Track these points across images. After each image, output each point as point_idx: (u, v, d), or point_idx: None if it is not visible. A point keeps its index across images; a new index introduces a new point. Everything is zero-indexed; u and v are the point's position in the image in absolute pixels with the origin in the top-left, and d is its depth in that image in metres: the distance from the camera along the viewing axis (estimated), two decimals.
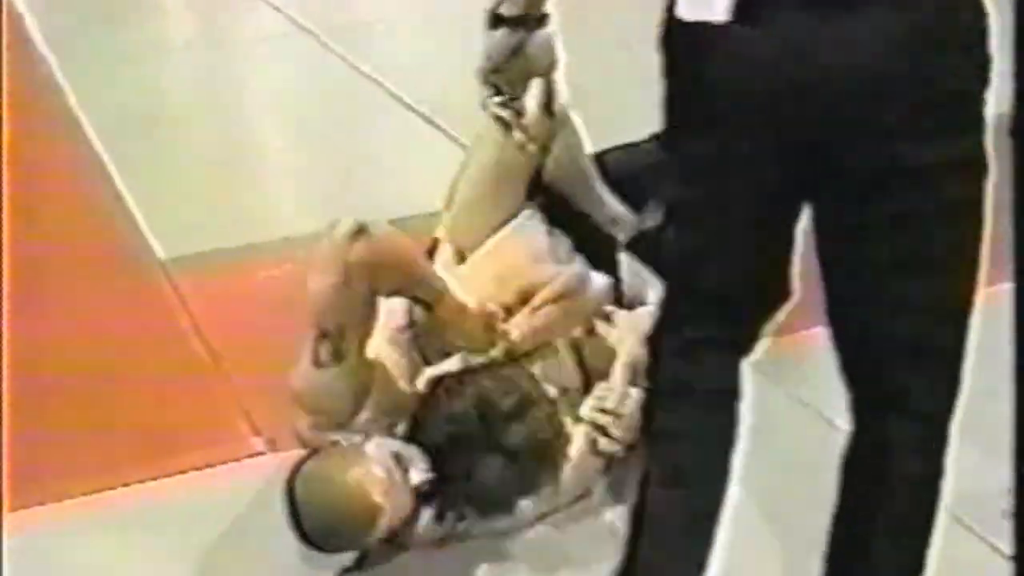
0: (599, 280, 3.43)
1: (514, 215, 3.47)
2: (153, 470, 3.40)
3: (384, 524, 2.92)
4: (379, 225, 3.12)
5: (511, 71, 2.89)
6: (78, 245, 4.64)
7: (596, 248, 3.54)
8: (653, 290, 3.31)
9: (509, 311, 3.29)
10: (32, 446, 3.43)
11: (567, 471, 3.20)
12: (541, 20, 2.80)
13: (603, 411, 3.21)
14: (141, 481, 3.38)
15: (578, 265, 3.43)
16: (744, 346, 2.45)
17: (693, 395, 2.41)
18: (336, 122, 5.94)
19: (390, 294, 3.16)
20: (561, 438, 3.20)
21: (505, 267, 3.39)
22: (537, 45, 2.80)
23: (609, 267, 3.52)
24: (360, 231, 3.05)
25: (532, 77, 2.96)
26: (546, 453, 3.18)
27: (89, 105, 5.95)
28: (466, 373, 3.20)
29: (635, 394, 3.22)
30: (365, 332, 3.12)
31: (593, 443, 3.20)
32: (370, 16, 7.45)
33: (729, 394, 2.42)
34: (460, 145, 5.35)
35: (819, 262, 2.34)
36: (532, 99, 3.02)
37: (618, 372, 3.29)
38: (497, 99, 2.94)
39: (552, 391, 3.25)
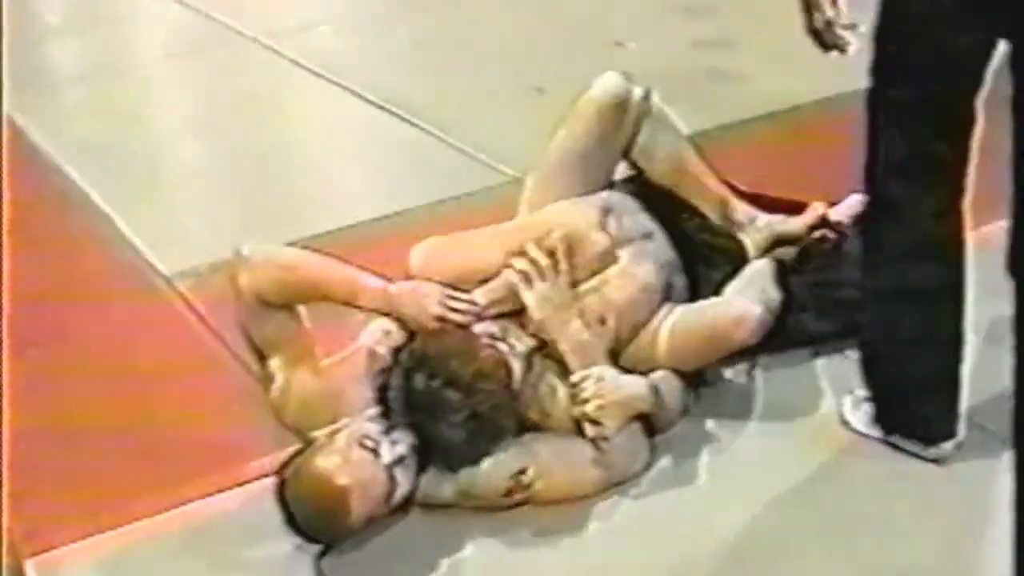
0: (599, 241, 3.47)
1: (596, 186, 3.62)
2: (212, 485, 3.40)
3: (359, 504, 3.04)
4: (256, 249, 3.37)
5: None
6: (85, 275, 4.60)
7: (710, 248, 3.65)
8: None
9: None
10: (82, 475, 3.47)
11: (587, 459, 3.24)
12: None
13: (584, 400, 3.26)
14: (203, 497, 3.38)
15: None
16: None
17: None
18: (302, 124, 5.97)
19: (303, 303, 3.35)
20: (518, 396, 3.23)
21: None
22: None
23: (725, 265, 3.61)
24: (238, 259, 3.32)
25: None
26: (499, 410, 3.20)
27: (50, 136, 5.88)
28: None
29: (610, 376, 3.28)
30: (299, 346, 3.31)
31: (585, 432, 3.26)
32: (311, 18, 7.42)
33: None
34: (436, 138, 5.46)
35: None
36: None
37: (573, 361, 3.31)
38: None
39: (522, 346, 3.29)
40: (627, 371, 3.34)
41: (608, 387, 3.26)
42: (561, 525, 3.16)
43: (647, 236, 3.56)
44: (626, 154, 3.67)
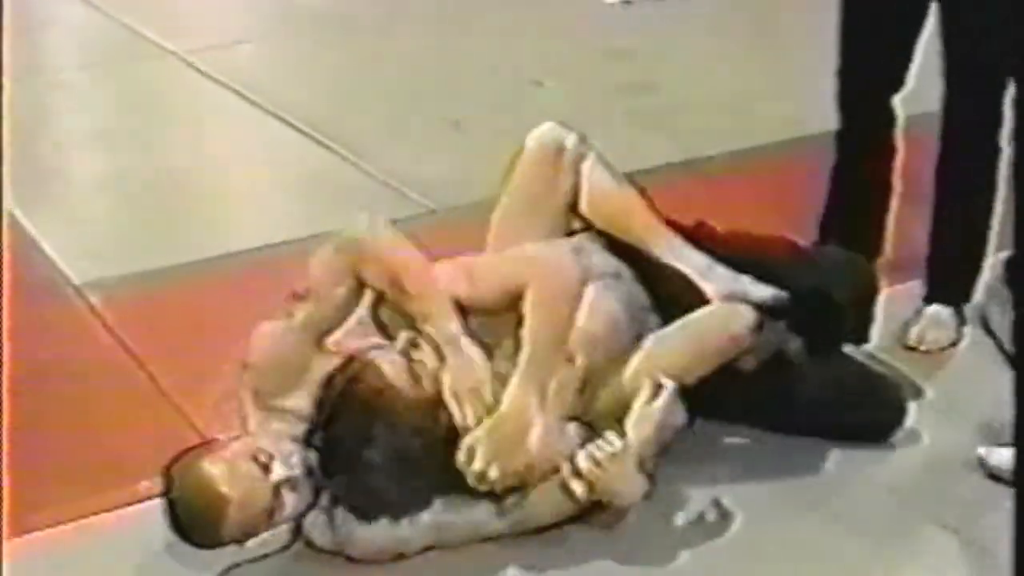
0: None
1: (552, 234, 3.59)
2: (110, 501, 3.40)
3: (236, 514, 3.03)
4: None
5: None
6: None
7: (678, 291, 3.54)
8: None
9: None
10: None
11: (534, 493, 3.24)
12: None
13: (591, 458, 3.22)
14: (99, 512, 3.39)
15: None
16: None
17: None
18: (218, 141, 5.99)
19: None
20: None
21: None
22: None
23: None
24: None
25: None
26: (439, 461, 3.18)
27: None
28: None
29: (631, 465, 3.23)
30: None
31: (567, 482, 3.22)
32: (233, 36, 7.41)
33: None
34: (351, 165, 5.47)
35: None
36: None
37: (630, 432, 3.27)
38: None
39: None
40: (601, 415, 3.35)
41: (617, 466, 3.21)
42: None
43: (616, 275, 3.54)
44: (574, 208, 3.61)
